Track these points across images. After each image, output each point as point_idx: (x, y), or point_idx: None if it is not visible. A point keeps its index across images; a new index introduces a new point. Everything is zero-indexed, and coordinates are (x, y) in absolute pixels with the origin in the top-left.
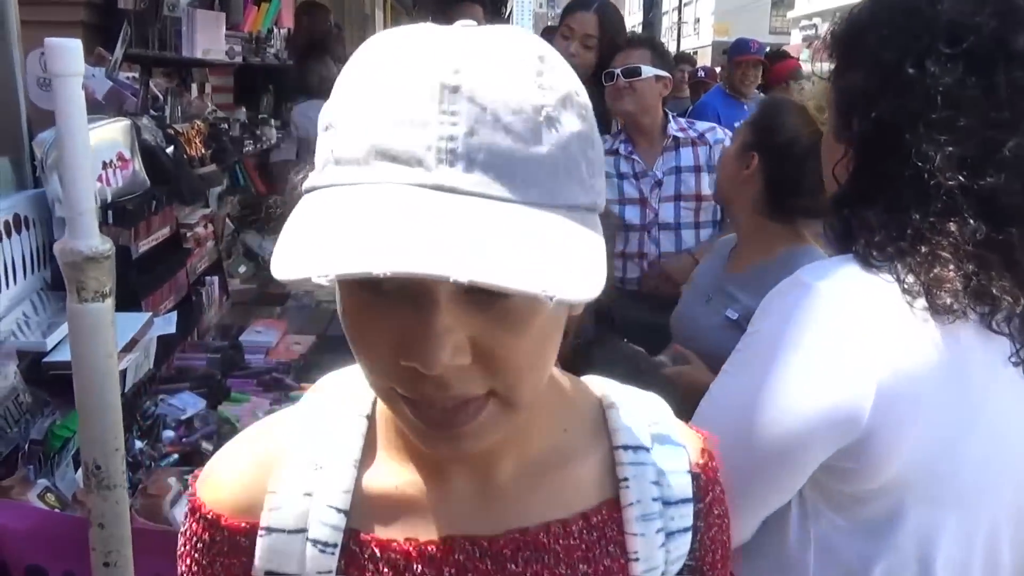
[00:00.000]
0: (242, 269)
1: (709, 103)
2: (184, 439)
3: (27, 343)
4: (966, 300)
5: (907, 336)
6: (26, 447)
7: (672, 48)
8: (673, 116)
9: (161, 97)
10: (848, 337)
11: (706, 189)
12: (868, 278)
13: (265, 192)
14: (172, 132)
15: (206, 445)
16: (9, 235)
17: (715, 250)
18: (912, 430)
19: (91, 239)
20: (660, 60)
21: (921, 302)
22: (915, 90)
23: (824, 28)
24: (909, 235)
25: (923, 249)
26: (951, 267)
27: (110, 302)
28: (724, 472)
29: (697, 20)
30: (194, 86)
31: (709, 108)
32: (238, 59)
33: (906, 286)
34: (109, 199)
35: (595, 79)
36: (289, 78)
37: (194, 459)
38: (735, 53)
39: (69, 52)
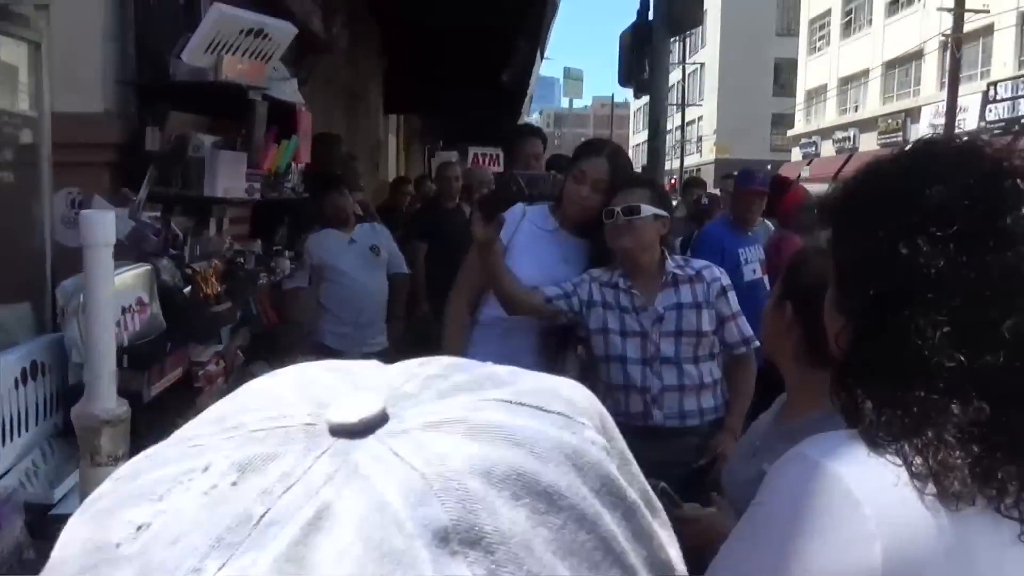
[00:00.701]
0: None
1: (713, 232)
2: None
3: (34, 495)
4: (974, 485)
5: (914, 522)
6: None
7: (675, 166)
8: (670, 254)
9: (181, 236)
10: (854, 521)
11: (706, 326)
12: (875, 460)
13: (276, 321)
14: (190, 271)
15: None
16: (25, 382)
17: (773, 405)
18: None
19: (108, 402)
20: (659, 200)
21: (930, 487)
22: (909, 269)
23: (823, 145)
24: (915, 414)
25: (929, 433)
26: (958, 452)
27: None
28: None
29: (699, 139)
30: (212, 221)
31: (714, 237)
32: (256, 196)
33: (915, 470)
34: (126, 343)
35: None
36: (304, 210)
37: None
38: (741, 184)
39: (102, 223)
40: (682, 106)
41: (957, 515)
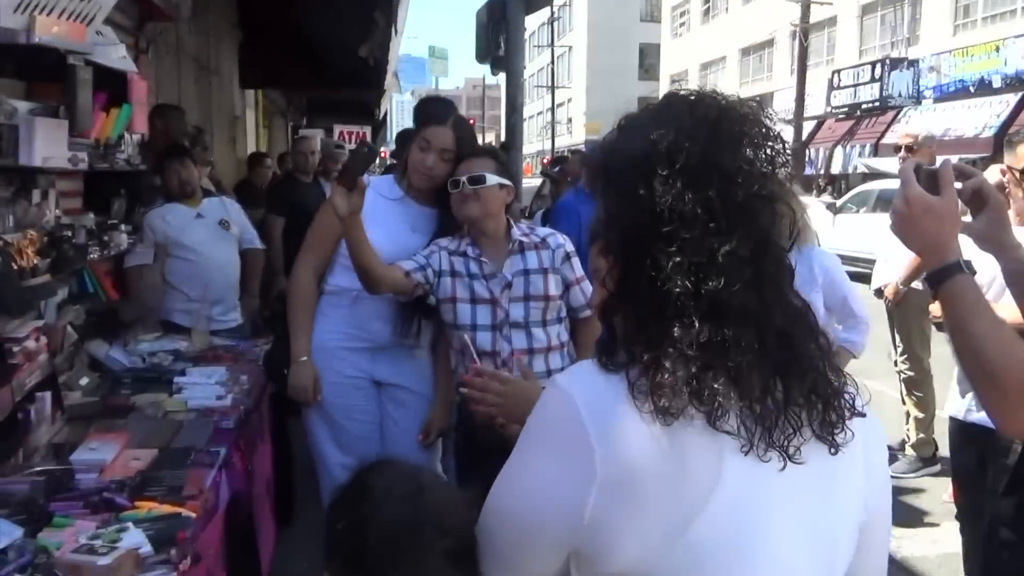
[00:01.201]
0: (84, 381)
1: (569, 202)
2: None
3: None
4: (687, 401)
5: (631, 434)
6: None
7: (547, 147)
8: (515, 223)
9: None
10: (574, 434)
11: (552, 290)
12: (603, 380)
13: (117, 298)
14: (1, 243)
15: None
16: None
17: None
18: (633, 523)
19: None
20: (503, 169)
21: (648, 404)
22: (646, 208)
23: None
24: (643, 340)
25: (647, 356)
26: (669, 373)
27: None
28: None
29: (570, 120)
30: (36, 192)
31: (570, 206)
32: (82, 166)
33: (635, 389)
34: None
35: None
36: (143, 182)
37: None
38: (592, 156)
39: None
40: (552, 88)
41: (673, 429)
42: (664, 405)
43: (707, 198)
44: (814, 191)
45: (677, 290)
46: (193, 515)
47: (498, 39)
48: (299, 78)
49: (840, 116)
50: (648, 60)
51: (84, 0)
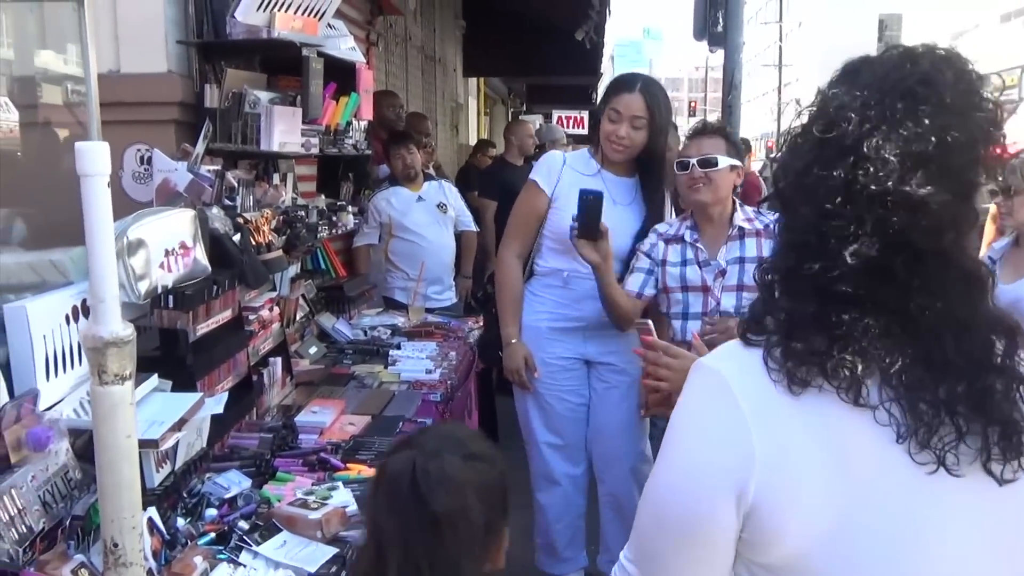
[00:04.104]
0: (312, 350)
1: None
2: (224, 518)
3: (78, 421)
4: (819, 375)
5: (781, 411)
6: (67, 523)
7: (772, 131)
8: (740, 205)
9: (236, 186)
10: (728, 415)
11: None
12: (743, 352)
13: (345, 276)
14: (241, 220)
15: (242, 524)
16: (76, 318)
17: None
18: (796, 506)
19: (112, 325)
20: (733, 148)
21: (779, 375)
22: (809, 188)
23: None
24: (782, 316)
25: (783, 331)
26: (802, 344)
27: (129, 384)
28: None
29: (798, 101)
30: (276, 176)
31: None
32: (314, 151)
33: (769, 360)
34: (170, 285)
35: (646, 156)
36: (370, 167)
37: (228, 538)
38: None
39: (97, 154)
40: (779, 67)
41: (821, 406)
42: (794, 374)
43: (831, 177)
44: None
45: (806, 272)
46: None
47: (716, 14)
48: (518, 65)
49: None
50: (888, 32)
51: None
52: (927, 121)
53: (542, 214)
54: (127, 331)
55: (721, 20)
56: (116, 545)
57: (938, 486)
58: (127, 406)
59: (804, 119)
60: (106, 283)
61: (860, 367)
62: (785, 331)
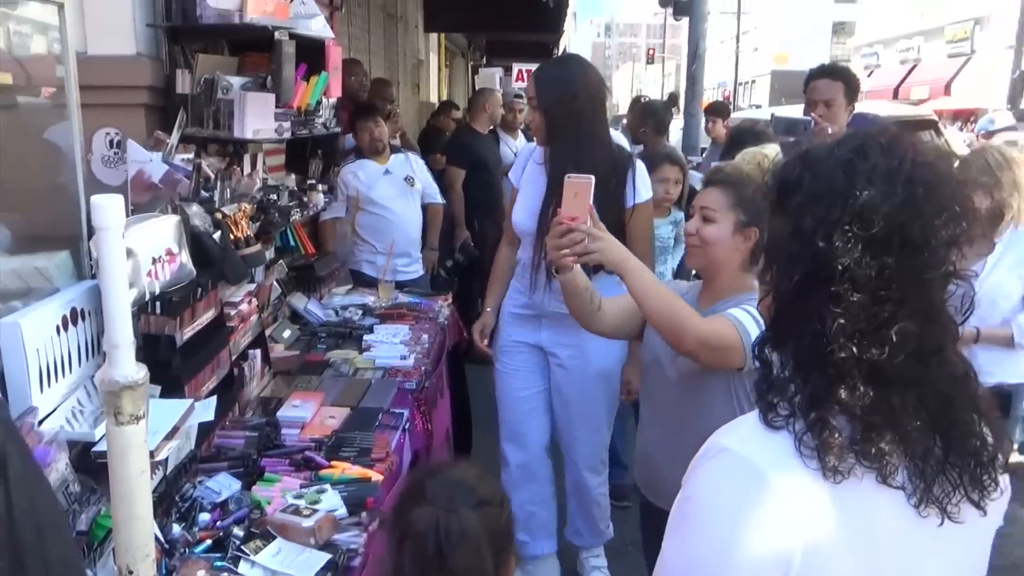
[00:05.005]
0: (286, 334)
1: None
2: (217, 523)
3: (77, 434)
4: (853, 461)
5: (816, 500)
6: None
7: (729, 80)
8: None
9: (213, 177)
10: (765, 504)
11: None
12: (771, 439)
13: (313, 253)
14: (220, 216)
15: (237, 531)
16: (67, 328)
17: (681, 289)
18: None
19: (127, 369)
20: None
21: (815, 463)
22: (822, 261)
23: (885, 56)
24: (809, 395)
25: (813, 414)
26: (837, 434)
27: (143, 424)
28: None
29: (755, 49)
30: (247, 158)
31: None
32: (287, 135)
33: (802, 448)
34: (157, 291)
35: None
36: (338, 143)
37: (224, 544)
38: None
39: (111, 208)
40: (738, 15)
41: (848, 488)
42: (834, 464)
43: (883, 266)
44: None
45: (842, 354)
46: (380, 478)
47: None
48: (480, 21)
49: None
50: None
51: None
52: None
53: None
54: (141, 374)
55: None
56: (131, 572)
57: (942, 535)
58: (141, 444)
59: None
60: (121, 329)
61: (897, 451)
62: (814, 417)
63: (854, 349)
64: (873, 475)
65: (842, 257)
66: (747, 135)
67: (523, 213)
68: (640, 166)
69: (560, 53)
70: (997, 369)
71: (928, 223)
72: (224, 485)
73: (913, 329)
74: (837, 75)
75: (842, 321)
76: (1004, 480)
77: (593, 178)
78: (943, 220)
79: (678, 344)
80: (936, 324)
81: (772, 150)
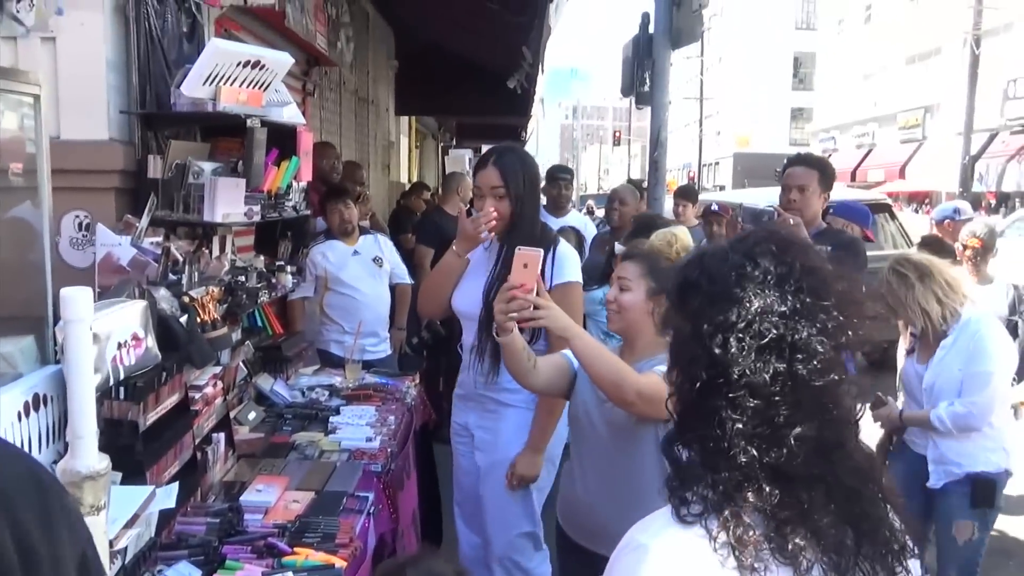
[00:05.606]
0: (252, 416)
1: None
2: None
3: None
4: (769, 558)
5: None
6: None
7: (694, 161)
8: None
9: (181, 261)
10: None
11: None
12: (686, 536)
13: (281, 333)
14: (187, 299)
15: None
16: (28, 415)
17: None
18: None
19: (89, 459)
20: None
21: (731, 561)
22: (720, 366)
23: (842, 140)
24: (720, 492)
25: (726, 512)
26: (751, 532)
27: (104, 515)
28: None
29: (718, 132)
30: (216, 240)
31: None
32: (256, 218)
33: (716, 546)
34: (122, 376)
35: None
36: (305, 225)
37: None
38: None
39: (80, 301)
40: (700, 100)
41: None
42: (750, 563)
43: (777, 372)
44: (981, 211)
45: (743, 458)
46: (344, 564)
47: (643, 75)
48: (451, 105)
49: (1016, 129)
50: (803, 70)
51: (262, 69)
52: (835, 312)
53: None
54: (103, 464)
55: (648, 80)
56: None
57: None
58: (101, 535)
59: (723, 319)
60: (85, 420)
61: (812, 546)
62: (728, 515)
63: (754, 452)
64: (790, 572)
65: (738, 363)
66: (652, 222)
67: (465, 298)
68: (563, 249)
69: (523, 137)
70: (965, 460)
71: (816, 330)
72: (184, 574)
73: (810, 433)
74: (812, 164)
75: (740, 426)
76: (915, 567)
77: (542, 251)
78: (831, 328)
79: (619, 396)
80: (834, 423)
81: (681, 231)
